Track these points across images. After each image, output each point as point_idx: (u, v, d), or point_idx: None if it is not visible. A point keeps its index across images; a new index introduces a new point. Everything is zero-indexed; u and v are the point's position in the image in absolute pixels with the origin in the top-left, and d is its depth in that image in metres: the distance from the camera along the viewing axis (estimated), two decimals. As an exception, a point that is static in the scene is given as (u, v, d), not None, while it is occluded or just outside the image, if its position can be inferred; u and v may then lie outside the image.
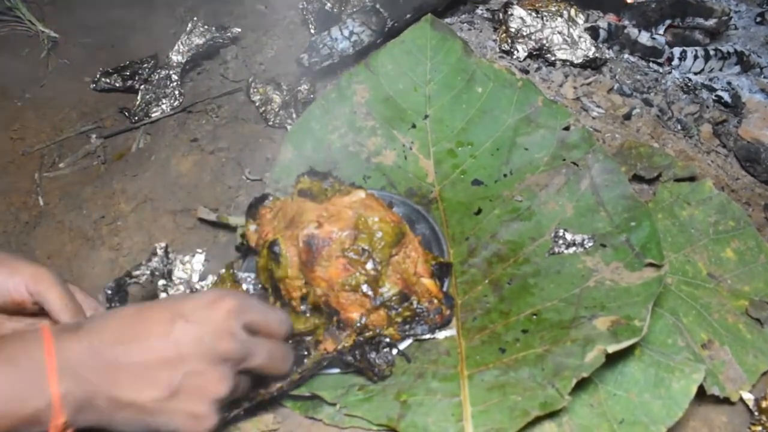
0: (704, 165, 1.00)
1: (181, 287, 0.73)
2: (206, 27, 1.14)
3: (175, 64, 1.12)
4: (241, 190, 0.94)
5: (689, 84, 1.15)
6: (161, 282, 0.72)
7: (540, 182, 0.85)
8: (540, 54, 1.10)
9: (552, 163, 0.86)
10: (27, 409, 0.51)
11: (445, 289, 0.75)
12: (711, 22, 1.21)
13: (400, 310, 0.70)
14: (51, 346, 0.53)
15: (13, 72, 1.19)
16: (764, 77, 1.19)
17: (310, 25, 1.15)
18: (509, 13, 1.11)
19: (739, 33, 1.29)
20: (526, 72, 1.08)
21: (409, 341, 0.72)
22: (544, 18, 1.10)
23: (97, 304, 0.68)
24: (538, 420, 0.62)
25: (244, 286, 0.74)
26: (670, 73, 1.17)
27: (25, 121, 1.10)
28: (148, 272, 0.72)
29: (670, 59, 1.18)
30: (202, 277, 0.74)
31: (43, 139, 1.08)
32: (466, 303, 0.75)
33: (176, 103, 1.10)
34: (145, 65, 1.14)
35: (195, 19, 1.14)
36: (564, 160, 0.86)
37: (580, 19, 1.11)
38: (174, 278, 0.73)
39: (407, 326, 0.71)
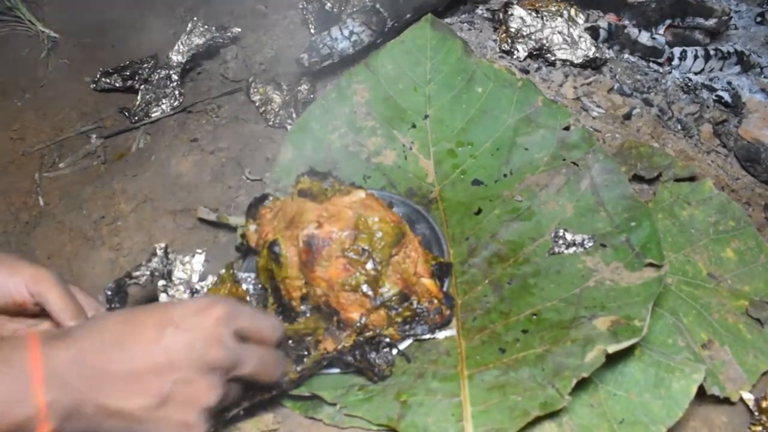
0: (704, 165, 1.00)
1: (181, 288, 0.73)
2: (206, 27, 1.14)
3: (175, 64, 1.12)
4: (241, 190, 0.94)
5: (689, 84, 1.15)
6: (161, 282, 0.72)
7: (540, 182, 0.85)
8: (540, 54, 1.10)
9: (552, 163, 0.86)
10: (13, 417, 0.51)
11: (445, 289, 0.75)
12: (711, 22, 1.21)
13: (400, 310, 0.70)
14: (38, 353, 0.52)
15: (13, 72, 1.19)
16: (764, 77, 1.19)
17: (310, 25, 1.15)
18: (509, 13, 1.11)
19: (739, 33, 1.29)
20: (526, 72, 1.08)
21: (409, 341, 0.72)
22: (544, 18, 1.10)
23: (98, 305, 0.68)
24: (538, 420, 0.62)
25: (244, 286, 0.74)
26: (670, 73, 1.17)
27: (25, 121, 1.10)
28: (148, 273, 0.72)
29: (670, 59, 1.18)
30: (202, 278, 0.74)
31: (43, 139, 1.08)
32: (466, 303, 0.75)
33: (176, 103, 1.10)
34: (145, 65, 1.14)
35: (195, 19, 1.14)
36: (564, 160, 0.86)
37: (580, 19, 1.11)
38: (174, 279, 0.73)
39: (407, 326, 0.71)
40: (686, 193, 0.86)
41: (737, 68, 1.19)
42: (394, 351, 0.70)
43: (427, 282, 0.73)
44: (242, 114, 1.06)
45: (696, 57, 1.17)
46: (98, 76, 1.15)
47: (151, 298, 0.77)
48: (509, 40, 1.10)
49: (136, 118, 1.08)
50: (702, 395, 0.69)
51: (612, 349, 0.63)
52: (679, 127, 1.07)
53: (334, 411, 0.67)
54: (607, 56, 1.13)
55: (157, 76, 1.12)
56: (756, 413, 0.70)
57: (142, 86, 1.11)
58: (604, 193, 0.81)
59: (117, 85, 1.14)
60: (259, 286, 0.74)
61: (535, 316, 0.72)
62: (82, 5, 1.31)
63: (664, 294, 0.75)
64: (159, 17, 1.29)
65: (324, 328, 0.70)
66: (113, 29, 1.27)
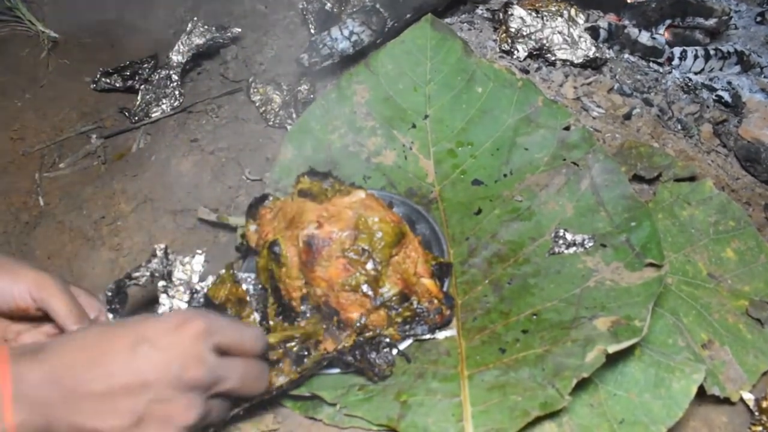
0: (704, 165, 1.00)
1: (181, 288, 0.73)
2: (206, 27, 1.14)
3: (175, 64, 1.12)
4: (241, 190, 0.94)
5: (689, 84, 1.15)
6: (161, 283, 0.72)
7: (540, 182, 0.85)
8: (540, 54, 1.10)
9: (552, 163, 0.86)
10: None
11: (445, 289, 0.75)
12: (711, 22, 1.21)
13: (400, 310, 0.70)
14: (6, 372, 0.51)
15: (13, 72, 1.19)
16: (764, 77, 1.19)
17: (310, 25, 1.15)
18: (509, 13, 1.11)
19: (739, 33, 1.29)
20: (526, 72, 1.08)
21: (409, 341, 0.72)
22: (544, 18, 1.10)
23: (100, 305, 0.68)
24: (538, 420, 0.62)
25: (244, 287, 0.74)
26: (670, 72, 1.17)
27: (25, 121, 1.10)
28: (148, 274, 0.72)
29: (670, 59, 1.18)
30: (202, 278, 0.74)
31: (43, 139, 1.08)
32: (466, 303, 0.75)
33: (176, 103, 1.10)
34: (145, 65, 1.14)
35: (195, 19, 1.14)
36: (564, 160, 0.86)
37: (581, 19, 1.11)
38: (174, 279, 0.73)
39: (407, 326, 0.71)
40: (686, 193, 0.86)
41: (737, 68, 1.19)
42: (394, 351, 0.70)
43: (427, 282, 0.73)
44: (242, 114, 1.06)
45: (696, 57, 1.17)
46: (98, 76, 1.15)
47: (151, 298, 0.77)
48: (509, 40, 1.10)
49: (136, 118, 1.08)
50: (702, 395, 0.69)
51: (612, 349, 0.63)
52: (679, 127, 1.07)
53: (334, 411, 0.67)
54: (607, 56, 1.13)
55: (157, 76, 1.12)
56: (756, 413, 0.70)
57: (142, 86, 1.11)
58: (604, 193, 0.81)
59: (117, 85, 1.14)
60: (259, 286, 0.74)
61: (535, 316, 0.72)
62: (82, 5, 1.31)
63: (664, 294, 0.75)
64: (159, 17, 1.29)
65: (324, 328, 0.70)
66: (113, 29, 1.27)
